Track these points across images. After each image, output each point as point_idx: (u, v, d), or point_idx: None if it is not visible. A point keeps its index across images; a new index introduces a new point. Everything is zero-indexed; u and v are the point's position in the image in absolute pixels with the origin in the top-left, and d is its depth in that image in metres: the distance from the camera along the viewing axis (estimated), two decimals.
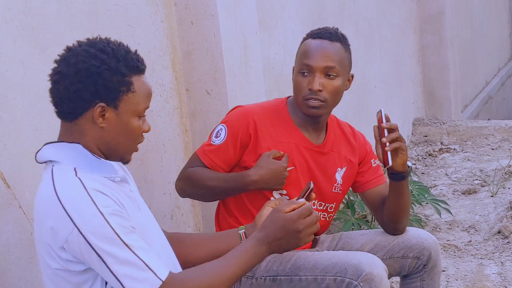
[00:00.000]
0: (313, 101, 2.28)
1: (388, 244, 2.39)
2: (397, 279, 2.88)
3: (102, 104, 1.68)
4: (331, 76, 2.28)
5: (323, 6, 4.22)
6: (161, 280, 1.63)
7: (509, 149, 5.37)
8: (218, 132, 2.34)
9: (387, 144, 2.20)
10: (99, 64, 1.67)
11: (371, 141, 2.58)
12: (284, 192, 2.34)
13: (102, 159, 1.74)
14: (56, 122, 2.14)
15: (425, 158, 5.40)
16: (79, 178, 1.66)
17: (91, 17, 2.35)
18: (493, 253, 3.64)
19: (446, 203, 3.96)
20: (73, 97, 1.68)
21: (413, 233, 2.42)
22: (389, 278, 2.49)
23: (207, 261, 1.84)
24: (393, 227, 2.40)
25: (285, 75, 3.62)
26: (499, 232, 3.84)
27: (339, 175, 2.42)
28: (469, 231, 3.99)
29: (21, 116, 2.01)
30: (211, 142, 2.34)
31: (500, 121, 6.02)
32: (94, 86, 1.67)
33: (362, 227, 3.57)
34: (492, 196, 4.41)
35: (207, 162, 2.34)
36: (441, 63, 6.13)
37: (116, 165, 1.86)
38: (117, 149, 1.76)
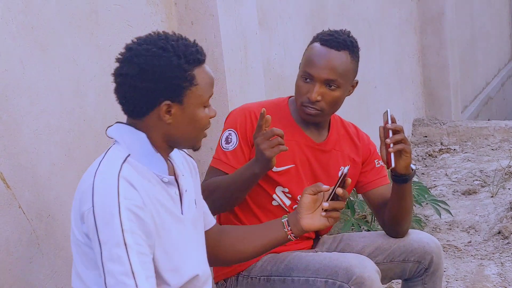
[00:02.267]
0: (309, 109, 2.27)
1: (389, 247, 2.38)
2: (398, 280, 2.88)
3: (168, 102, 1.70)
4: (332, 87, 2.25)
5: (323, 6, 4.22)
6: None
7: (509, 150, 5.37)
8: (227, 138, 2.31)
9: (391, 145, 2.19)
10: (162, 63, 1.68)
11: (376, 141, 2.58)
12: (287, 190, 2.34)
13: (159, 156, 1.76)
14: (55, 122, 2.14)
15: (425, 159, 5.40)
16: (121, 164, 1.68)
17: (91, 17, 2.35)
18: (493, 253, 3.64)
19: (446, 204, 3.96)
20: (138, 97, 1.70)
21: (415, 236, 2.40)
22: (389, 281, 2.50)
23: (253, 252, 1.96)
24: (395, 229, 2.39)
25: (285, 76, 3.61)
26: (499, 232, 3.84)
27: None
28: (469, 232, 3.99)
29: (21, 116, 2.01)
30: (224, 149, 2.30)
31: (500, 122, 6.02)
32: (158, 86, 1.68)
33: (362, 227, 3.57)
34: (492, 196, 4.41)
35: (228, 170, 2.27)
36: (441, 63, 6.12)
37: (181, 159, 1.88)
38: (185, 140, 1.79)
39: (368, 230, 3.54)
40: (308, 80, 2.26)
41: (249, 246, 1.99)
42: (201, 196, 1.98)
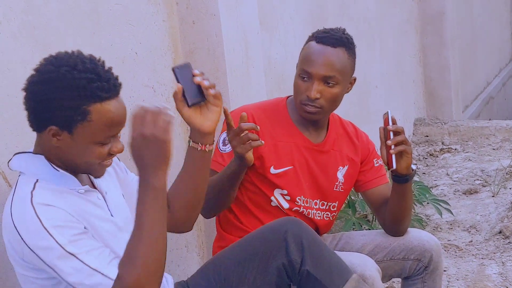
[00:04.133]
0: (309, 107, 2.26)
1: (389, 245, 2.39)
2: (398, 279, 2.88)
3: (54, 127, 1.68)
4: (330, 84, 2.25)
5: (324, 6, 4.22)
6: (111, 279, 1.65)
7: (510, 149, 5.37)
8: (224, 140, 2.30)
9: (392, 147, 2.19)
10: (55, 90, 1.65)
11: (375, 141, 2.58)
12: (285, 192, 2.34)
13: (63, 173, 1.75)
14: None
15: (426, 158, 5.40)
16: (31, 193, 1.68)
17: (92, 16, 2.35)
18: (494, 253, 3.64)
19: (447, 203, 3.96)
20: (32, 115, 1.71)
21: (414, 234, 2.41)
22: (389, 279, 2.50)
23: (195, 195, 1.90)
24: (394, 228, 2.39)
25: (286, 75, 3.61)
26: (500, 232, 3.84)
27: (340, 174, 2.41)
28: (470, 231, 3.99)
29: (22, 115, 2.00)
30: (221, 151, 2.30)
31: (501, 121, 6.02)
32: (48, 112, 1.67)
33: (363, 226, 3.57)
34: (493, 196, 4.41)
35: (218, 169, 2.28)
36: (442, 63, 6.12)
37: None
38: (76, 167, 1.76)
39: (369, 230, 3.54)
40: (306, 78, 2.26)
41: (188, 189, 1.92)
42: (133, 176, 1.96)
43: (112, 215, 1.83)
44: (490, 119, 6.73)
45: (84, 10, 2.31)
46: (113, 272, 1.66)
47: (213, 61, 2.84)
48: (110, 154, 1.74)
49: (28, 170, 1.75)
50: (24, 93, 1.73)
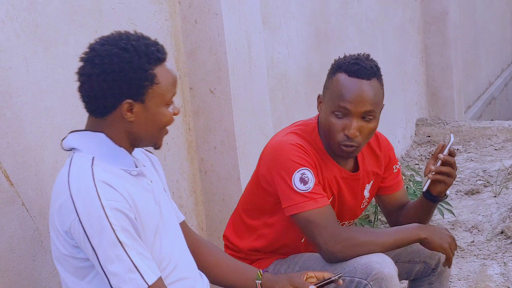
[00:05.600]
0: (349, 148, 2.15)
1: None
2: (404, 281, 2.88)
3: (129, 100, 1.72)
4: (367, 119, 2.14)
5: (326, 6, 4.22)
6: (147, 283, 1.66)
7: None
8: (301, 178, 2.13)
9: (433, 172, 2.16)
10: (122, 63, 1.70)
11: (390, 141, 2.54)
12: None
13: (123, 150, 1.78)
14: (59, 120, 2.15)
15: (428, 158, 5.40)
16: (92, 169, 1.70)
17: (95, 15, 2.35)
18: (496, 253, 3.64)
19: (449, 204, 3.96)
20: (101, 97, 1.72)
21: None
22: None
23: (218, 279, 2.01)
24: None
25: (289, 75, 3.61)
26: (502, 232, 3.84)
27: (367, 191, 2.38)
28: (472, 232, 3.98)
29: (25, 114, 2.01)
30: (303, 190, 2.12)
31: (503, 122, 6.02)
32: (119, 86, 1.70)
33: (364, 227, 3.57)
34: (495, 196, 4.41)
35: (322, 202, 2.13)
36: (445, 63, 6.12)
37: (141, 154, 1.90)
38: (147, 138, 1.80)
39: None
40: (341, 115, 2.13)
41: (215, 277, 2.03)
42: (168, 192, 2.00)
43: (155, 203, 1.83)
44: (492, 120, 6.73)
45: (86, 8, 2.31)
46: (150, 277, 1.66)
47: (215, 60, 2.84)
48: (174, 115, 1.81)
49: (85, 147, 1.75)
50: (81, 83, 1.74)
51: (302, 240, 2.29)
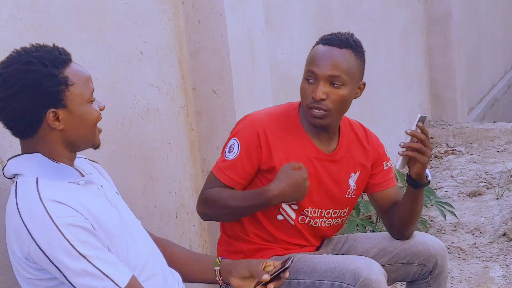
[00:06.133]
0: (316, 110, 2.20)
1: (394, 249, 2.38)
2: (402, 282, 2.88)
3: (52, 109, 1.72)
4: (336, 85, 2.19)
5: (329, 6, 4.22)
6: (119, 287, 1.67)
7: None
8: (230, 146, 2.27)
9: (403, 149, 2.17)
10: (32, 76, 1.69)
11: (383, 142, 2.56)
12: (294, 202, 2.31)
13: (63, 165, 1.77)
14: None
15: (430, 160, 5.39)
16: (37, 190, 1.69)
17: (98, 15, 2.35)
18: (498, 255, 3.64)
19: (451, 205, 3.95)
20: (24, 116, 1.71)
21: (419, 239, 2.39)
22: (393, 283, 2.49)
23: (180, 274, 1.99)
24: (401, 232, 2.38)
25: (292, 75, 3.61)
26: (504, 234, 3.83)
27: (352, 181, 2.38)
28: (474, 233, 3.98)
29: None
30: (225, 157, 2.27)
31: (506, 124, 6.01)
32: (37, 98, 1.70)
33: (366, 228, 3.57)
34: (497, 198, 4.40)
35: (224, 179, 2.26)
36: (448, 64, 6.11)
37: (85, 164, 1.90)
38: (84, 140, 1.80)
39: (373, 231, 3.54)
40: (311, 80, 2.21)
41: (180, 268, 2.03)
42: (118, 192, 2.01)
43: (111, 205, 1.84)
44: (495, 122, 6.72)
45: (90, 8, 2.31)
46: (122, 280, 1.67)
47: (218, 60, 2.84)
48: (101, 110, 1.81)
49: (26, 170, 1.75)
50: (0, 109, 1.73)
51: (279, 217, 2.32)
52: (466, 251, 3.73)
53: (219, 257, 2.06)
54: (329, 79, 2.19)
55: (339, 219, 2.41)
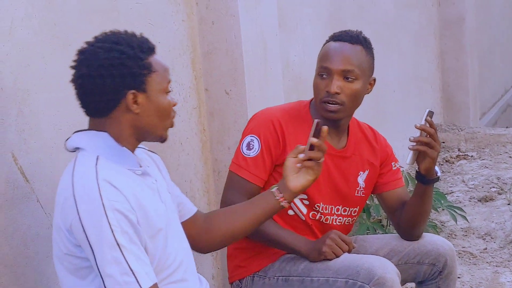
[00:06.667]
0: (330, 104, 2.24)
1: (403, 249, 2.38)
2: (412, 284, 2.87)
3: (133, 91, 1.73)
4: (350, 79, 2.24)
5: (342, 9, 4.22)
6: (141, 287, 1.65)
7: None
8: (249, 144, 2.29)
9: (413, 144, 2.20)
10: (119, 55, 1.72)
11: (392, 144, 2.56)
12: (305, 196, 2.32)
13: (126, 150, 1.78)
14: (76, 118, 2.15)
15: (442, 165, 5.38)
16: (96, 168, 1.70)
17: (112, 15, 2.36)
18: (508, 261, 3.62)
19: (462, 210, 3.94)
20: (103, 94, 1.72)
21: (428, 239, 2.40)
22: (403, 284, 2.49)
23: (242, 230, 1.98)
24: (409, 232, 2.38)
25: (304, 77, 3.61)
26: None
27: (361, 179, 2.40)
28: (484, 239, 3.97)
29: (42, 111, 2.02)
30: (245, 155, 2.28)
31: None
32: (120, 77, 1.72)
33: (377, 231, 3.56)
34: (508, 204, 4.38)
35: (248, 177, 2.27)
36: (460, 68, 6.09)
37: (144, 155, 1.90)
38: (153, 130, 1.81)
39: (384, 234, 3.53)
40: (325, 75, 2.26)
41: (240, 222, 2.01)
42: (175, 188, 2.01)
43: (161, 201, 1.84)
44: (507, 127, 6.68)
45: (104, 8, 2.32)
46: (145, 281, 1.66)
47: (231, 61, 2.84)
48: (173, 106, 1.83)
49: (90, 145, 1.76)
50: (80, 87, 1.75)
51: (290, 212, 2.32)
52: (476, 256, 3.71)
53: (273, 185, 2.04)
54: (343, 74, 2.24)
55: (350, 218, 2.41)
